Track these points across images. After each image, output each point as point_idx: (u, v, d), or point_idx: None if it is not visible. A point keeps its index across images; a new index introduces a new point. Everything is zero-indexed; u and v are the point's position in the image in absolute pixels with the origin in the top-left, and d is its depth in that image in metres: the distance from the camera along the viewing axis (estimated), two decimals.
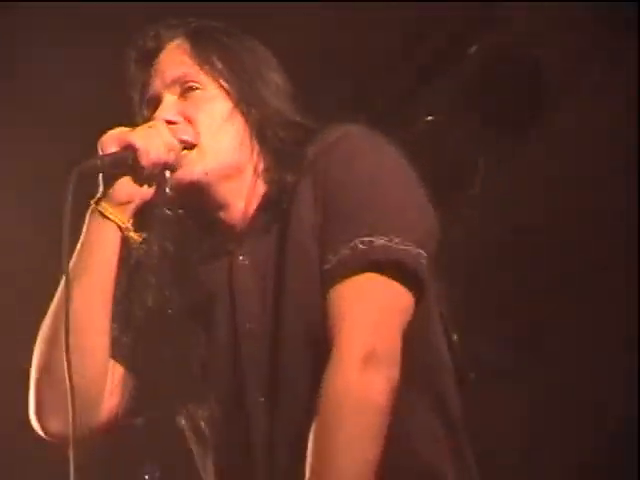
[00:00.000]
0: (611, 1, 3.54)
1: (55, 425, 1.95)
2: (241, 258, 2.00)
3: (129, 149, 1.94)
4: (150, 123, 2.00)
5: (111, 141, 1.96)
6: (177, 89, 2.03)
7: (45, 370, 1.96)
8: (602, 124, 3.60)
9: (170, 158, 1.97)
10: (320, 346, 1.87)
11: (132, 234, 1.99)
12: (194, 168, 1.99)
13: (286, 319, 1.93)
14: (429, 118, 3.84)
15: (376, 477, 1.76)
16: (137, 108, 2.10)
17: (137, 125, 2.04)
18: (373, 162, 1.97)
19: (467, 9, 3.67)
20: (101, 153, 1.96)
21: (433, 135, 3.84)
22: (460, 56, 3.73)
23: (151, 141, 1.95)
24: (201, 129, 2.00)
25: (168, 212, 2.06)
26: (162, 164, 1.97)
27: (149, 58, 2.09)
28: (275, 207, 2.00)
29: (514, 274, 3.85)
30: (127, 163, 1.95)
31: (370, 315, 1.87)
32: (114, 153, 1.95)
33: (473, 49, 3.70)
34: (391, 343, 1.85)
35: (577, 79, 3.62)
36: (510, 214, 3.85)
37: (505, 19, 3.65)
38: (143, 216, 2.03)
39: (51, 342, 1.95)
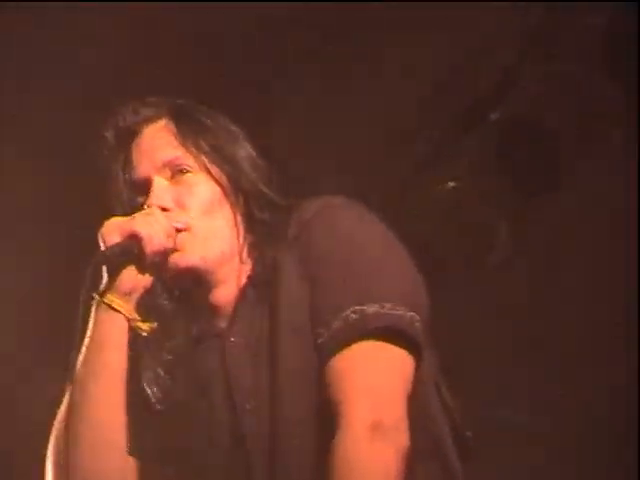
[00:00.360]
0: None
1: None
2: (232, 339, 2.02)
3: (133, 238, 1.95)
4: (147, 210, 2.01)
5: (113, 231, 1.97)
6: (167, 172, 2.05)
7: (60, 466, 1.97)
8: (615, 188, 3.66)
9: (170, 244, 1.98)
10: (320, 419, 1.89)
11: (140, 324, 2.01)
12: (192, 254, 2.00)
13: (284, 395, 1.94)
14: (451, 184, 3.94)
15: None
16: (120, 185, 2.10)
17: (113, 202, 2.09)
18: (354, 231, 2.00)
19: (485, 77, 3.79)
20: (103, 244, 1.97)
21: (455, 201, 3.95)
22: (480, 123, 3.84)
23: (152, 228, 1.96)
24: (194, 214, 2.02)
25: (165, 298, 2.08)
26: (164, 251, 1.98)
27: (129, 135, 2.11)
28: (262, 285, 2.02)
29: (529, 334, 3.89)
30: (133, 252, 1.96)
31: (372, 384, 1.87)
32: (120, 243, 1.96)
33: (493, 116, 3.81)
34: (397, 411, 1.85)
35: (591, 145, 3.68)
36: (527, 278, 3.91)
37: (521, 86, 3.75)
38: (143, 303, 2.04)
39: (65, 440, 1.97)
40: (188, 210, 2.02)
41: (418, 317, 1.91)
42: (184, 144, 2.07)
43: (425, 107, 3.79)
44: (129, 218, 1.99)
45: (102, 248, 1.96)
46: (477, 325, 3.87)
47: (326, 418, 1.86)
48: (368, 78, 3.71)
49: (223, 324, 2.05)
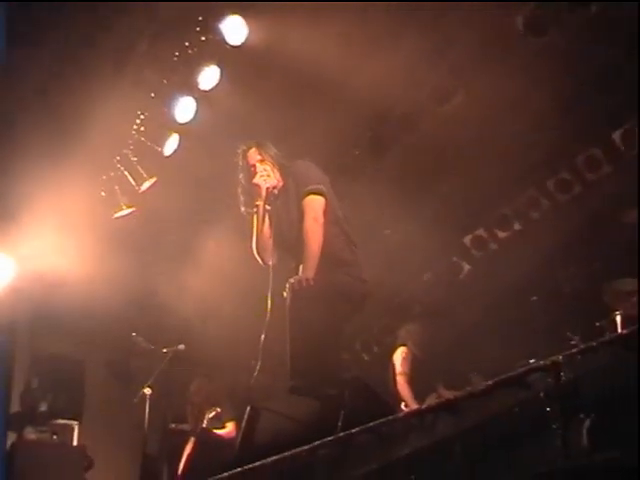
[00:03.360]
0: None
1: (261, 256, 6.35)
2: (278, 203, 6.40)
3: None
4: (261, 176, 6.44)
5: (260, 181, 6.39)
6: (260, 161, 6.48)
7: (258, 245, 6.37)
8: None
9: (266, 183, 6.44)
10: (300, 217, 6.15)
11: (267, 207, 6.38)
12: (270, 184, 6.44)
13: (292, 215, 6.26)
14: (377, 167, 8.62)
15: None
16: (242, 170, 6.52)
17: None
18: (305, 167, 6.35)
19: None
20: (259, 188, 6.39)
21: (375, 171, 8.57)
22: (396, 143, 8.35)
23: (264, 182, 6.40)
24: (270, 172, 6.45)
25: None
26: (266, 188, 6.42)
27: (244, 153, 6.52)
28: (284, 187, 6.41)
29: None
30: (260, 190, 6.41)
31: (313, 206, 6.14)
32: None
33: (395, 150, 8.37)
34: (320, 213, 6.12)
35: None
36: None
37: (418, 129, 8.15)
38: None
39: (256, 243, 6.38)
40: (269, 171, 6.46)
41: (324, 187, 6.21)
42: (261, 154, 6.52)
43: (368, 138, 8.32)
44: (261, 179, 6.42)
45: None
46: (371, 197, 8.55)
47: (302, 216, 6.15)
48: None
49: (274, 200, 6.39)
